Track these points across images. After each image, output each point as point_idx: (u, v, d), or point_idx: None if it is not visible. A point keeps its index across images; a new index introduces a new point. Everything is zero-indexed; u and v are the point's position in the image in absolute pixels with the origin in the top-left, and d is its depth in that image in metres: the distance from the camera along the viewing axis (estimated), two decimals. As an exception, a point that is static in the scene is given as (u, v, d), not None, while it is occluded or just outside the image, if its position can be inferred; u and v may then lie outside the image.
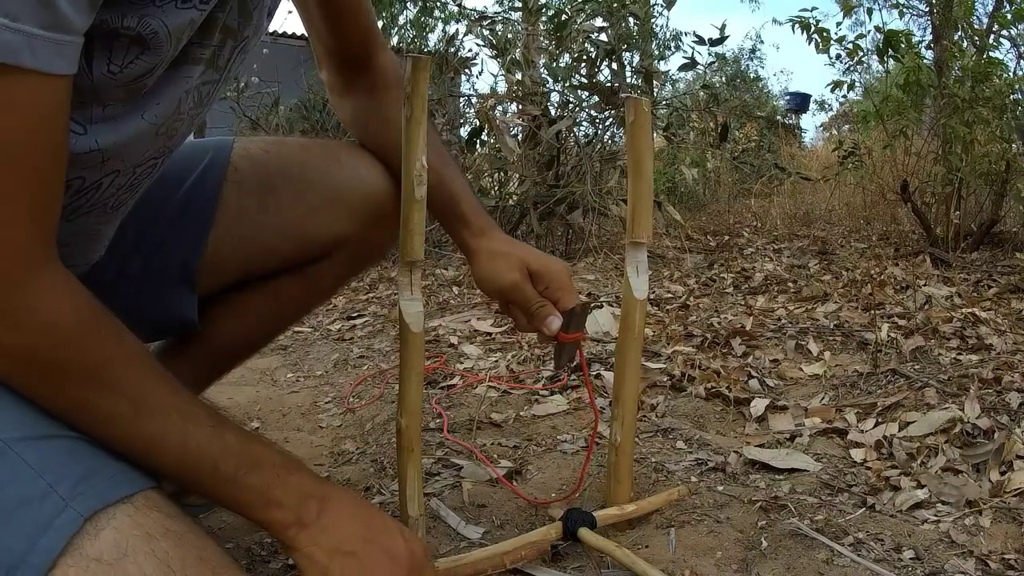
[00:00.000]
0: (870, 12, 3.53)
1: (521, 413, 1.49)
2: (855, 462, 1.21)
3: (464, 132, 4.11)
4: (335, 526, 0.66)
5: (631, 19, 3.79)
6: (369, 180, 0.99)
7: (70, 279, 0.58)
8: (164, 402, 0.61)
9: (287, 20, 16.91)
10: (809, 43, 3.32)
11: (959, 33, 3.30)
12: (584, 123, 4.03)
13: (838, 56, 3.42)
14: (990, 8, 3.45)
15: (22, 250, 0.54)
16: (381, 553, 0.68)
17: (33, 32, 0.50)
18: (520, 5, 3.94)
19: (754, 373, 1.64)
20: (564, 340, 0.93)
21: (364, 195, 0.98)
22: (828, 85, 3.95)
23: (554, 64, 3.90)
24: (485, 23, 3.92)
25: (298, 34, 6.62)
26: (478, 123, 3.78)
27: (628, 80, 3.99)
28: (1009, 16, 3.28)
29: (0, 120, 0.51)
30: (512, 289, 0.91)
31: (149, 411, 0.60)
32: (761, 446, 1.28)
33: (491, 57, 3.93)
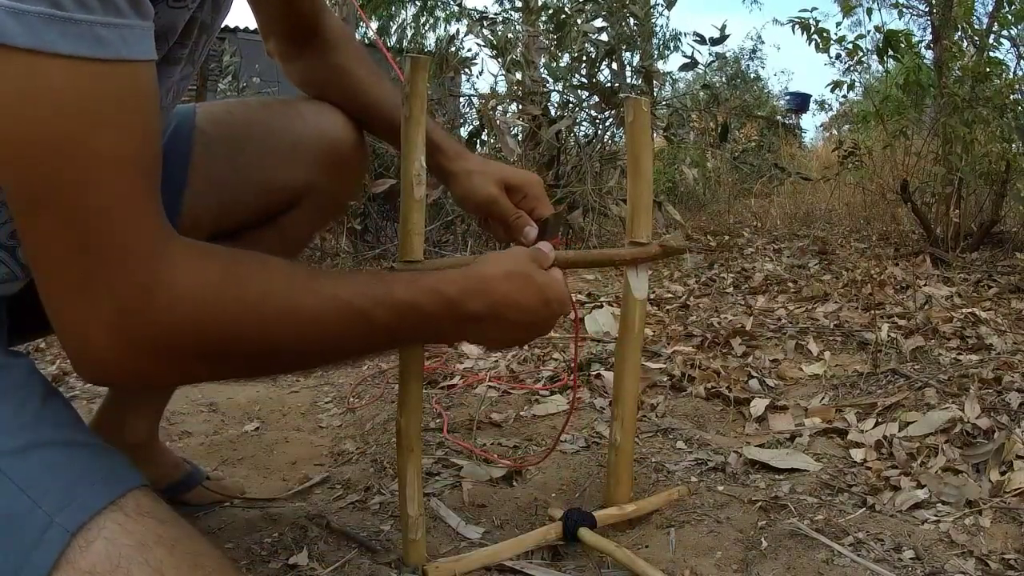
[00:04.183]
0: (870, 12, 3.53)
1: (521, 413, 1.49)
2: (855, 462, 1.21)
3: (464, 132, 4.11)
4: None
5: (631, 19, 3.79)
6: (330, 128, 1.02)
7: (191, 241, 0.60)
8: (342, 293, 0.66)
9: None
10: (809, 43, 3.33)
11: (959, 33, 3.30)
12: (584, 123, 4.03)
13: (838, 56, 3.43)
14: (990, 8, 3.45)
15: (152, 228, 0.56)
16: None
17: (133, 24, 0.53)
18: (520, 5, 3.94)
19: (754, 373, 1.64)
20: None
21: (326, 143, 1.01)
22: (828, 85, 3.95)
23: (554, 64, 3.90)
24: (485, 23, 3.92)
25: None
26: (478, 123, 3.78)
27: (628, 80, 3.99)
28: (1009, 16, 3.28)
29: (119, 112, 0.53)
30: (490, 203, 0.97)
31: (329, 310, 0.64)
32: (761, 446, 1.28)
33: (491, 57, 3.93)
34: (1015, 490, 1.05)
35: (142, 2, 0.52)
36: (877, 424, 1.32)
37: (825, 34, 3.32)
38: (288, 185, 1.01)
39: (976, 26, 3.35)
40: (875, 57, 3.35)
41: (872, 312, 2.08)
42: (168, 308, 0.55)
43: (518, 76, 3.73)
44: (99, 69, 0.50)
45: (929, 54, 3.42)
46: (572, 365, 1.63)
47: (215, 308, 0.58)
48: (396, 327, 0.70)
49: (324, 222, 1.15)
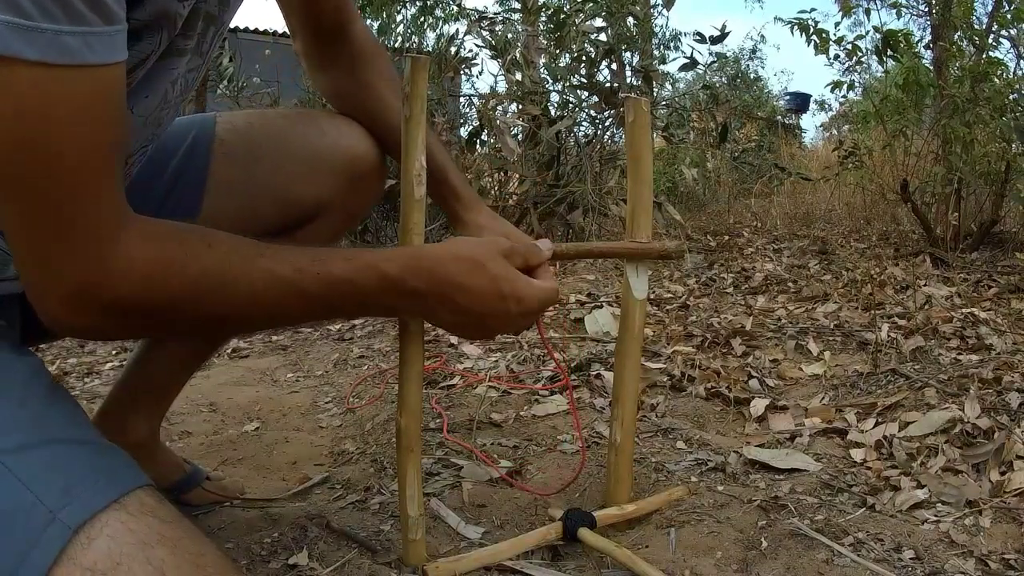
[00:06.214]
0: (868, 12, 3.53)
1: (521, 413, 1.49)
2: (855, 462, 1.21)
3: (464, 132, 4.11)
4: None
5: (631, 19, 3.79)
6: (349, 144, 1.02)
7: (147, 221, 0.64)
8: (278, 275, 0.69)
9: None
10: (808, 44, 3.32)
11: (958, 33, 3.30)
12: (584, 123, 4.03)
13: (837, 56, 3.42)
14: (990, 8, 3.45)
15: (109, 212, 0.60)
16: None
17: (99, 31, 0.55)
18: (520, 5, 3.95)
19: (754, 373, 1.64)
20: None
21: (344, 158, 1.01)
22: (828, 85, 3.95)
23: (554, 64, 3.90)
24: (485, 23, 3.92)
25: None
26: (478, 123, 3.78)
27: (628, 80, 3.99)
28: (1009, 16, 3.28)
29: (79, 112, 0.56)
30: None
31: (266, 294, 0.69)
32: (761, 446, 1.28)
33: (491, 57, 3.93)
34: (1015, 490, 1.05)
35: (109, 9, 0.54)
36: (877, 424, 1.32)
37: (824, 35, 3.32)
38: (305, 198, 1.00)
39: (976, 26, 3.35)
40: (874, 57, 3.35)
41: (872, 312, 2.08)
42: (118, 283, 0.61)
43: (518, 76, 3.73)
44: (63, 74, 0.53)
45: (929, 54, 3.42)
46: (565, 371, 1.63)
47: (160, 284, 0.63)
48: (332, 300, 0.73)
49: (337, 236, 1.16)
